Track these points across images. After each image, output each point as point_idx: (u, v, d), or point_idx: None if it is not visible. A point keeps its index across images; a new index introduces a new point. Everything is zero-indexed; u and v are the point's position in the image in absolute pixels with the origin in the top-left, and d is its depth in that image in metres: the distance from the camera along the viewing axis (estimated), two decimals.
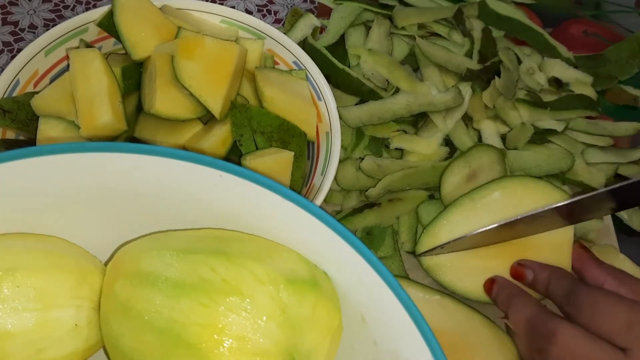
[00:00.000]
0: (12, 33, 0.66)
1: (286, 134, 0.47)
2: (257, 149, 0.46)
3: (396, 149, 0.55)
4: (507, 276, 0.48)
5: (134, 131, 0.47)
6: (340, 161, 0.53)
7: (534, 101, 0.58)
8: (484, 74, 0.57)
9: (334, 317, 0.31)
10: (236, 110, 0.46)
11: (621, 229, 0.55)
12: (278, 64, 0.53)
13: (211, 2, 0.54)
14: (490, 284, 0.47)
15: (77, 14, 0.59)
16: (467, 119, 0.57)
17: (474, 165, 0.52)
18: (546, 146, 0.57)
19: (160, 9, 0.50)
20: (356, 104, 0.56)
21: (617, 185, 0.46)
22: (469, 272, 0.48)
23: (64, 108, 0.45)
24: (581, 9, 0.73)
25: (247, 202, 0.31)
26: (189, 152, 0.29)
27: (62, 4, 0.70)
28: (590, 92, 0.60)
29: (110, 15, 0.48)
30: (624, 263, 0.51)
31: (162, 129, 0.47)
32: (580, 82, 0.61)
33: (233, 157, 0.48)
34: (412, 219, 0.53)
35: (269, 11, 0.73)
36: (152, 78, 0.46)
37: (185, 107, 0.46)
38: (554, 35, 0.63)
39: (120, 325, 0.30)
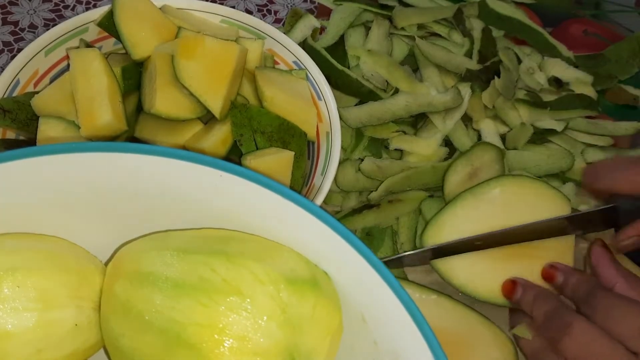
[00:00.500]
0: (12, 33, 0.66)
1: (286, 134, 0.47)
2: (257, 148, 0.46)
3: (396, 149, 0.55)
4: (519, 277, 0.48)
5: (134, 131, 0.47)
6: (340, 163, 0.53)
7: (534, 101, 0.58)
8: (484, 74, 0.57)
9: (334, 317, 0.31)
10: (236, 110, 0.46)
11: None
12: (278, 63, 0.53)
13: (211, 2, 0.54)
14: (512, 286, 0.47)
15: (77, 14, 0.59)
16: (466, 119, 0.57)
17: (476, 163, 0.53)
18: (546, 146, 0.57)
19: (160, 9, 0.50)
20: (356, 105, 0.56)
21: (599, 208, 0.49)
22: (480, 275, 0.48)
23: (64, 108, 0.45)
24: (581, 9, 0.73)
25: (247, 202, 0.31)
26: (189, 152, 0.29)
27: (62, 4, 0.70)
28: (590, 92, 0.60)
29: (110, 15, 0.48)
30: (624, 263, 0.51)
31: (162, 129, 0.47)
32: (580, 81, 0.61)
33: (233, 157, 0.48)
34: (411, 219, 0.53)
35: (269, 11, 0.73)
36: (152, 78, 0.46)
37: (185, 107, 0.46)
38: (554, 35, 0.63)
39: (121, 325, 0.30)
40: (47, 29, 0.48)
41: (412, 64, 0.60)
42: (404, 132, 0.56)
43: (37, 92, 0.46)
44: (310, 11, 0.69)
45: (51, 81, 0.48)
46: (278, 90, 0.48)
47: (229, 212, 0.32)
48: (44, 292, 0.30)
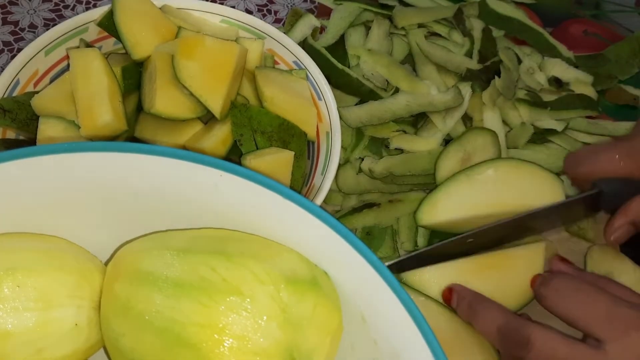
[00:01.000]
0: (12, 33, 0.66)
1: (286, 134, 0.47)
2: (257, 148, 0.46)
3: (396, 149, 0.55)
4: (491, 289, 0.47)
5: (134, 131, 0.47)
6: (341, 165, 0.54)
7: (534, 101, 0.58)
8: (484, 74, 0.57)
9: (334, 317, 0.31)
10: (236, 110, 0.46)
11: None
12: (278, 63, 0.53)
13: (211, 2, 0.54)
14: (449, 293, 0.46)
15: (77, 13, 0.59)
16: (467, 119, 0.57)
17: (468, 148, 0.53)
18: (546, 146, 0.57)
19: (160, 9, 0.50)
20: (356, 104, 0.56)
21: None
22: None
23: (64, 108, 0.45)
24: (581, 9, 0.73)
25: (247, 202, 0.31)
26: (189, 152, 0.29)
27: (62, 4, 0.70)
28: (590, 92, 0.60)
29: (110, 15, 0.48)
30: (624, 263, 0.51)
31: (162, 129, 0.47)
32: (580, 81, 0.61)
33: (233, 157, 0.48)
34: (411, 219, 0.53)
35: (269, 11, 0.73)
36: (152, 78, 0.46)
37: (185, 107, 0.46)
38: (554, 35, 0.63)
39: (121, 325, 0.30)
40: (47, 29, 0.48)
41: (412, 63, 0.60)
42: (404, 132, 0.56)
43: (37, 92, 0.46)
44: (310, 11, 0.69)
45: (51, 81, 0.48)
46: (278, 90, 0.48)
47: (229, 212, 0.32)
48: (43, 291, 0.30)
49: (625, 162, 0.48)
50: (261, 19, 0.54)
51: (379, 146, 0.56)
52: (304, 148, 0.49)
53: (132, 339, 0.30)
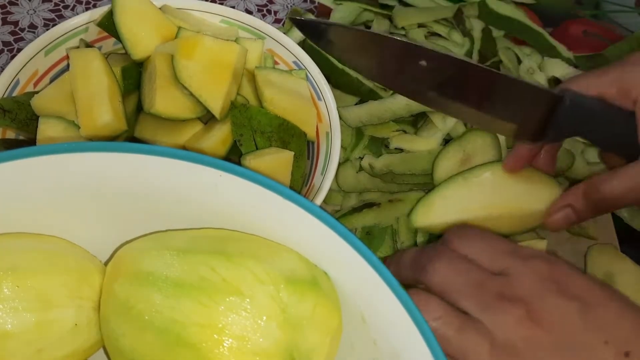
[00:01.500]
0: (12, 33, 0.66)
1: (286, 134, 0.47)
2: (257, 148, 0.46)
3: (396, 148, 0.55)
4: None
5: (134, 131, 0.47)
6: (340, 164, 0.53)
7: None
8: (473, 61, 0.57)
9: (334, 317, 0.31)
10: (236, 110, 0.46)
11: (621, 228, 0.55)
12: (278, 64, 0.53)
13: (211, 2, 0.54)
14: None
15: (77, 14, 0.59)
16: None
17: (468, 149, 0.53)
18: None
19: (160, 9, 0.50)
20: (356, 104, 0.56)
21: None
22: None
23: (64, 108, 0.45)
24: (581, 9, 0.73)
25: (247, 202, 0.31)
26: (189, 152, 0.29)
27: (62, 4, 0.70)
28: None
29: (110, 15, 0.48)
30: (624, 263, 0.51)
31: (162, 129, 0.47)
32: None
33: (233, 157, 0.48)
34: None
35: (269, 11, 0.73)
36: (152, 78, 0.46)
37: (185, 107, 0.46)
38: (554, 35, 0.63)
39: (120, 325, 0.30)
40: (47, 29, 0.48)
41: None
42: (404, 131, 0.56)
43: (37, 92, 0.46)
44: (310, 11, 0.69)
45: (51, 81, 0.48)
46: (278, 90, 0.48)
47: (229, 212, 0.32)
48: (43, 292, 0.30)
49: (612, 86, 0.43)
50: (261, 19, 0.54)
51: (379, 146, 0.56)
52: (304, 148, 0.49)
53: (132, 339, 0.30)
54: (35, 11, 0.68)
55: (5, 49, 0.65)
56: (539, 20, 0.67)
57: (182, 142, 0.47)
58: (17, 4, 0.69)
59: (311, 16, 0.60)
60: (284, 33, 0.53)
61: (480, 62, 0.59)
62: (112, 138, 0.45)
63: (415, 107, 0.55)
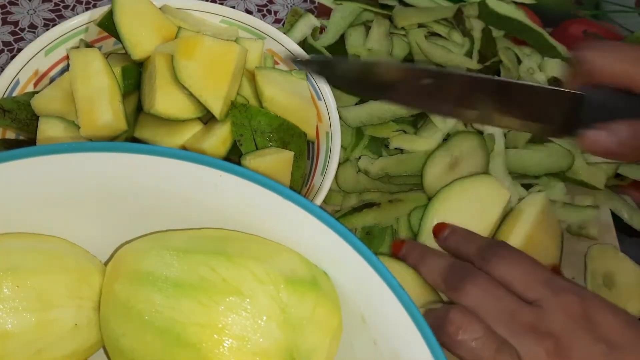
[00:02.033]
0: (12, 33, 0.66)
1: (286, 134, 0.47)
2: (257, 148, 0.46)
3: (396, 148, 0.55)
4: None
5: (134, 131, 0.47)
6: (340, 164, 0.53)
7: None
8: (484, 74, 0.57)
9: (334, 317, 0.31)
10: (236, 110, 0.46)
11: (621, 228, 0.55)
12: (278, 64, 0.53)
13: (211, 2, 0.54)
14: (400, 245, 0.47)
15: (77, 14, 0.59)
16: None
17: (455, 152, 0.53)
18: (546, 145, 0.57)
19: (160, 9, 0.50)
20: (356, 104, 0.56)
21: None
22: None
23: (64, 108, 0.45)
24: (581, 9, 0.73)
25: (247, 202, 0.31)
26: (189, 152, 0.29)
27: (62, 4, 0.70)
28: None
29: (110, 15, 0.48)
30: (624, 263, 0.51)
31: (162, 129, 0.47)
32: None
33: (233, 157, 0.48)
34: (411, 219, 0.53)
35: (269, 11, 0.73)
36: (152, 78, 0.46)
37: (185, 107, 0.46)
38: (554, 35, 0.63)
39: (120, 325, 0.30)
40: (47, 29, 0.48)
41: (412, 63, 0.60)
42: (404, 132, 0.56)
43: (37, 92, 0.46)
44: (310, 11, 0.69)
45: (51, 81, 0.48)
46: (278, 90, 0.48)
47: (229, 212, 0.32)
48: (43, 292, 0.30)
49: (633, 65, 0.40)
50: (261, 19, 0.54)
51: (379, 146, 0.56)
52: (304, 148, 0.49)
53: (132, 339, 0.30)
54: (35, 11, 0.68)
55: (5, 49, 0.65)
56: (539, 20, 0.67)
57: (182, 142, 0.47)
58: (17, 4, 0.69)
59: (311, 16, 0.60)
60: (284, 33, 0.53)
61: (480, 62, 0.59)
62: (112, 138, 0.45)
63: None
